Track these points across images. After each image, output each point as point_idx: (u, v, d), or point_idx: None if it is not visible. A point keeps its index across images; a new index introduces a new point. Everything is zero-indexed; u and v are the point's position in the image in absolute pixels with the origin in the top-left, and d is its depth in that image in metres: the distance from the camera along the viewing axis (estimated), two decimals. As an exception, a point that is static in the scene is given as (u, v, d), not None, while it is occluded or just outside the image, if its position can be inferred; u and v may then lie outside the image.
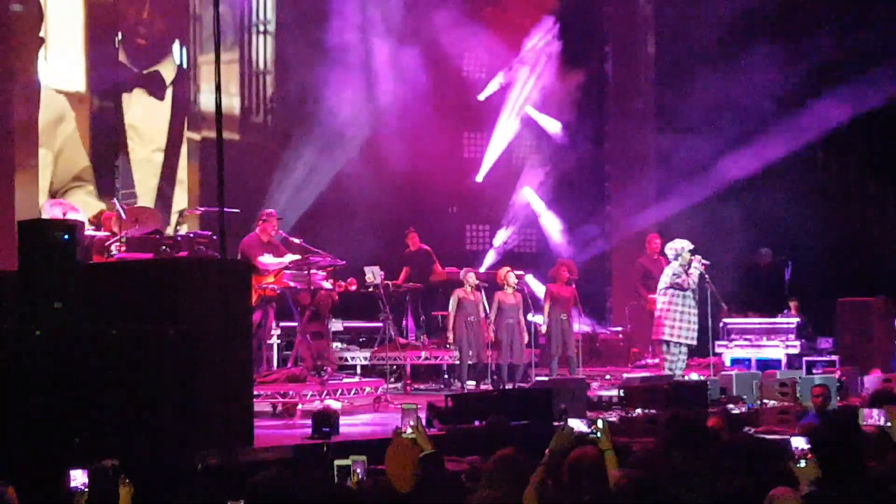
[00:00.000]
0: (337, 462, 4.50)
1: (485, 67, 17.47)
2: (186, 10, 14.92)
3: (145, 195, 14.12)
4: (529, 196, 17.75)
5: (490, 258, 17.02)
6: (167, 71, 14.74)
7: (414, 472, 4.64)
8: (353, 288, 11.91)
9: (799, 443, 4.96)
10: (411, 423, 4.79)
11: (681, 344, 12.55)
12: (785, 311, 15.68)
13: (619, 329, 16.49)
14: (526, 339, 13.25)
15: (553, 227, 17.76)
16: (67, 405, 6.87)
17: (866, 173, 16.99)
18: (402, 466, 4.75)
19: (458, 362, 13.17)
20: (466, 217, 17.71)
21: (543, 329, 13.38)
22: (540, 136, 17.83)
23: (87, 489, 4.83)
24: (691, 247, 12.63)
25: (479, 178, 17.43)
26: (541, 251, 17.67)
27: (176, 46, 14.83)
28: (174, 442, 6.92)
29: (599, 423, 5.10)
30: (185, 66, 14.85)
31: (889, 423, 4.84)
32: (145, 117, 14.47)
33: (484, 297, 13.37)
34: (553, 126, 17.72)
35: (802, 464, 4.90)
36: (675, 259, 12.62)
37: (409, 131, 15.95)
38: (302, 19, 15.51)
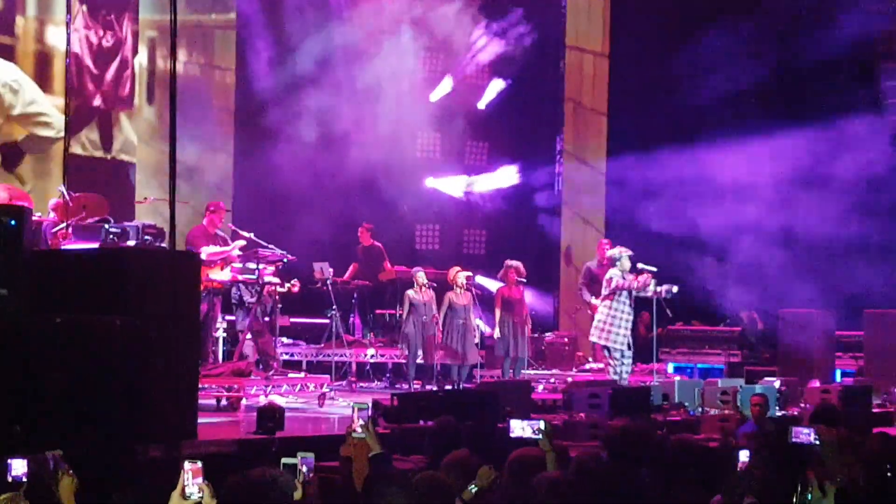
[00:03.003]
0: (284, 460, 4.48)
1: (440, 67, 17.45)
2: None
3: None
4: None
5: None
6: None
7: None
8: (296, 290, 11.79)
9: (744, 456, 5.02)
10: (361, 422, 4.79)
11: (619, 349, 12.61)
12: (727, 322, 15.90)
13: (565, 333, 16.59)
14: (476, 340, 13.28)
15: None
16: (10, 393, 6.77)
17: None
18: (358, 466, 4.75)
19: (404, 361, 13.19)
20: (417, 217, 17.70)
21: (497, 333, 13.36)
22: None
23: (26, 479, 4.74)
24: (629, 252, 12.72)
25: (429, 182, 17.41)
26: (491, 251, 17.73)
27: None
28: (118, 433, 6.85)
29: (542, 425, 5.14)
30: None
31: (818, 441, 4.92)
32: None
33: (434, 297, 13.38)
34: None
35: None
36: (614, 265, 12.70)
37: (363, 129, 15.92)
38: (253, 16, 15.47)
